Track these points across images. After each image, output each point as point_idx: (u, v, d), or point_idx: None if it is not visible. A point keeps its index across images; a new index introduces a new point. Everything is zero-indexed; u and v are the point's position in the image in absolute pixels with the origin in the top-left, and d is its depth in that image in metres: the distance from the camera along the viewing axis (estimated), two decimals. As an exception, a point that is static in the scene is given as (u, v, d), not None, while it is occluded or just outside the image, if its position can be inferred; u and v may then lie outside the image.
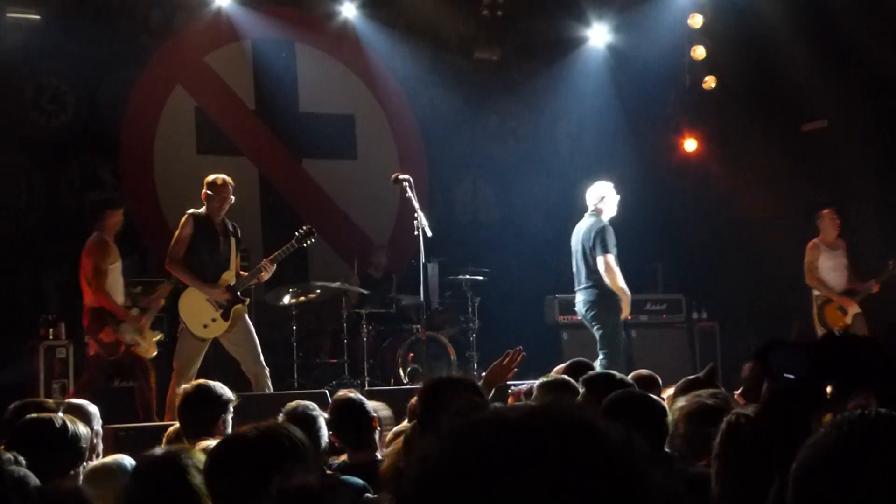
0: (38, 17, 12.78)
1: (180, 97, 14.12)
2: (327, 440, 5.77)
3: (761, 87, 15.23)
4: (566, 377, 6.75)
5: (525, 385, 7.77)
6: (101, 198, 10.68)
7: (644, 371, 7.43)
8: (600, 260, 10.86)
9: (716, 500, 3.52)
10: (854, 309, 12.45)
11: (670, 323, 14.48)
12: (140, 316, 10.52)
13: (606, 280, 10.84)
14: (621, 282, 10.88)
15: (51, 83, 13.31)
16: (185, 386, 6.15)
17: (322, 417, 5.80)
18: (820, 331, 12.42)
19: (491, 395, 6.23)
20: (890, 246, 13.03)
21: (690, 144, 15.89)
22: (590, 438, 1.38)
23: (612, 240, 10.95)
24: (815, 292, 12.68)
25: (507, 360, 6.60)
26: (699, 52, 15.25)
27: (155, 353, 10.66)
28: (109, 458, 5.06)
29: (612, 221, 11.17)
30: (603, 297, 10.94)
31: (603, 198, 11.21)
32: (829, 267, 12.63)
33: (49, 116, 13.30)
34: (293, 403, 5.91)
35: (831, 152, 14.85)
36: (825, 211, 12.80)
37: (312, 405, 5.90)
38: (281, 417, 5.46)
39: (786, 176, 14.89)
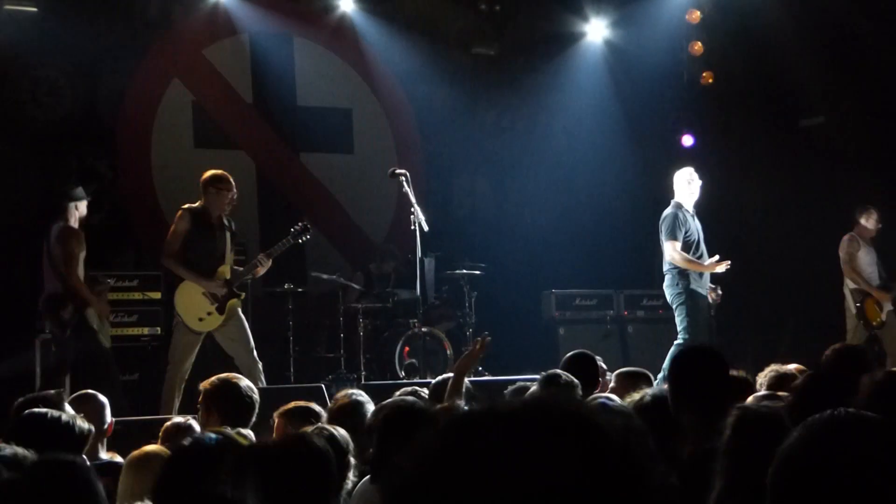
0: (34, 9, 12.75)
1: (177, 90, 14.09)
2: None
3: (759, 82, 15.24)
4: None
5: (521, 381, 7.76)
6: (62, 190, 10.55)
7: (631, 368, 7.47)
8: (666, 247, 10.92)
9: (722, 494, 3.51)
10: (889, 305, 12.47)
11: (667, 318, 14.46)
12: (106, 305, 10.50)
13: (680, 266, 10.88)
14: (692, 262, 10.93)
15: (48, 76, 13.28)
16: (211, 379, 6.17)
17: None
18: (855, 324, 12.45)
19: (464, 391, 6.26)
20: (888, 242, 13.04)
21: (688, 140, 15.91)
22: (588, 433, 1.37)
23: (677, 225, 10.96)
24: (851, 285, 12.61)
25: (476, 347, 6.68)
26: (697, 47, 15.27)
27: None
28: (150, 447, 5.08)
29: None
30: (672, 284, 11.04)
31: (676, 185, 11.24)
32: (867, 262, 12.62)
33: (46, 109, 13.26)
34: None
35: (829, 148, 14.86)
36: (871, 208, 12.73)
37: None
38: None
39: (783, 171, 14.90)
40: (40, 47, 12.96)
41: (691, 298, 10.95)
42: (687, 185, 11.22)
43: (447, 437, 1.39)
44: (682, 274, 10.97)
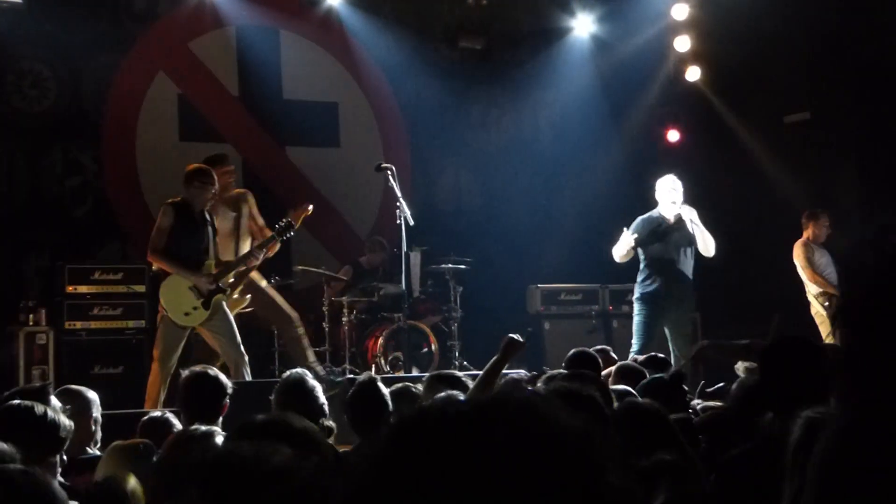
0: (20, 0, 12.71)
1: (163, 84, 14.06)
2: None
3: (745, 78, 15.25)
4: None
5: (515, 374, 7.80)
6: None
7: (587, 350, 7.52)
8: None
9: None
10: None
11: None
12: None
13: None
14: (618, 251, 11.04)
15: (33, 68, 13.24)
16: (186, 373, 6.20)
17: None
18: (829, 329, 12.23)
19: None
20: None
21: (673, 135, 15.94)
22: (545, 431, 1.35)
23: (634, 227, 11.08)
24: (814, 290, 12.59)
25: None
26: (683, 42, 15.29)
27: None
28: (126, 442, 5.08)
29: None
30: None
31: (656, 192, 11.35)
32: (824, 264, 12.51)
33: (31, 102, 13.23)
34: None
35: (814, 144, 14.88)
36: (821, 213, 12.72)
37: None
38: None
39: (768, 167, 14.92)
40: (25, 40, 12.93)
41: (640, 303, 11.12)
42: (659, 191, 11.29)
43: (397, 438, 1.37)
44: (639, 283, 11.15)
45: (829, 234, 12.67)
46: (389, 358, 12.45)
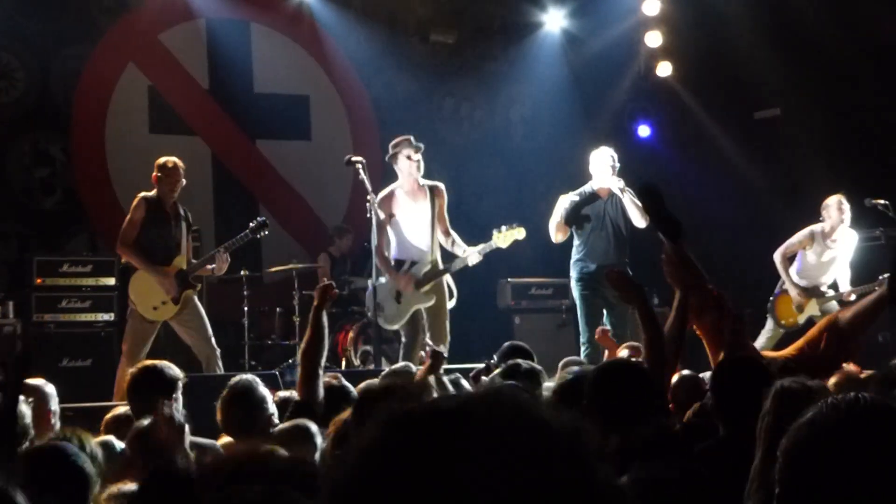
0: (-12, -9, 12.64)
1: (133, 75, 13.98)
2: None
3: (715, 74, 15.31)
4: None
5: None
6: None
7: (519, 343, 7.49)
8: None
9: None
10: (812, 310, 11.53)
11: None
12: None
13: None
14: (552, 228, 10.95)
15: (1, 59, 13.15)
16: (132, 369, 6.17)
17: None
18: (769, 323, 11.89)
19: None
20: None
21: (644, 130, 15.98)
22: (534, 428, 1.35)
23: (562, 204, 10.97)
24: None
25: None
26: (654, 38, 15.33)
27: None
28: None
29: None
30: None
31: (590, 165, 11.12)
32: (813, 256, 11.72)
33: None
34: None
35: (784, 140, 14.96)
36: (842, 200, 11.66)
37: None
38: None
39: (738, 163, 14.99)
40: (-6, 30, 12.85)
41: (580, 285, 10.97)
42: (594, 165, 11.06)
43: (389, 433, 1.36)
44: (573, 265, 11.05)
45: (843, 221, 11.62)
46: (359, 352, 12.44)
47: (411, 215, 10.47)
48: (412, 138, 10.55)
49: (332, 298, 6.85)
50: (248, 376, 6.04)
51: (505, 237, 10.36)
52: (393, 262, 10.52)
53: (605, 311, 10.81)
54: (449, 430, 1.33)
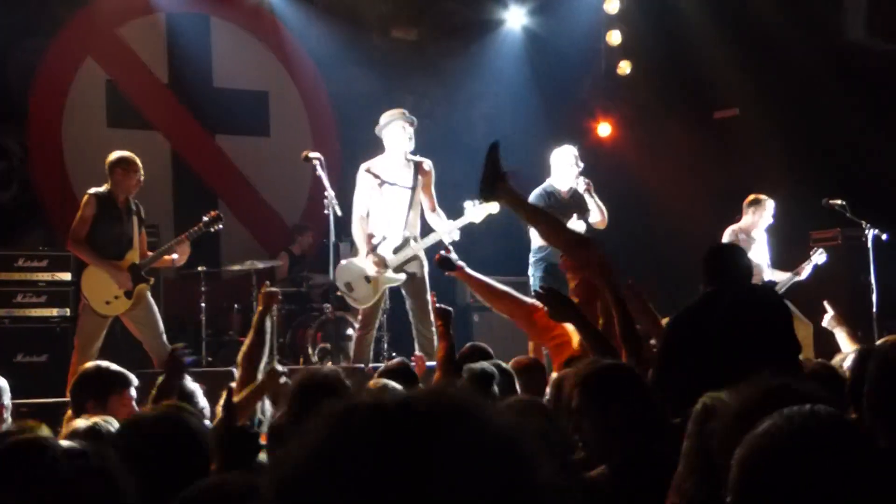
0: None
1: (91, 69, 13.90)
2: None
3: (675, 73, 15.38)
4: None
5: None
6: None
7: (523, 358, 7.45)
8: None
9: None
10: None
11: (581, 306, 14.56)
12: None
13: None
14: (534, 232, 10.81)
15: (-43, 51, 13.06)
16: (80, 368, 6.15)
17: None
18: None
19: None
20: (799, 234, 13.19)
21: (604, 129, 16.02)
22: (474, 427, 1.35)
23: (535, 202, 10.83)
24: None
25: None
26: (615, 37, 15.38)
27: None
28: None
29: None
30: (532, 271, 11.27)
31: (552, 162, 11.14)
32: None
33: (-45, 85, 13.06)
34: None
35: (742, 140, 15.04)
36: (764, 200, 11.93)
37: None
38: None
39: (697, 162, 15.06)
40: (-50, 21, 12.74)
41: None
42: (565, 166, 11.06)
43: (331, 428, 1.36)
44: (537, 263, 11.15)
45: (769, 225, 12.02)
46: (318, 349, 12.43)
47: (391, 189, 10.43)
48: (406, 112, 10.51)
49: (277, 304, 6.84)
50: (192, 385, 6.00)
51: (478, 211, 10.30)
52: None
53: None
54: (391, 425, 1.33)
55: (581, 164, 11.03)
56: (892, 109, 13.73)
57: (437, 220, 10.57)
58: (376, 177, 10.38)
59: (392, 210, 10.49)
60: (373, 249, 10.34)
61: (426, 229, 10.70)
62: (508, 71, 15.86)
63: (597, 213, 10.81)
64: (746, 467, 2.14)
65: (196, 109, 14.50)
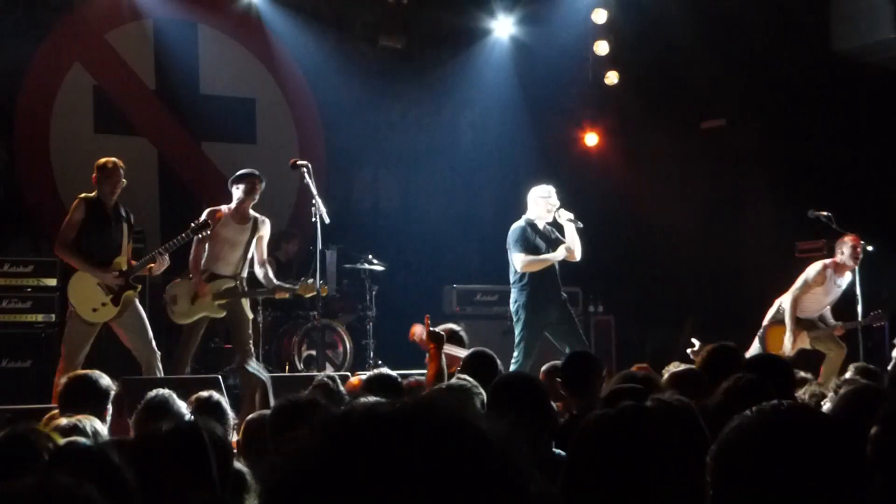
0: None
1: (79, 75, 13.88)
2: None
3: (662, 84, 15.41)
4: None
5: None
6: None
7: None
8: (514, 259, 10.92)
9: None
10: (803, 343, 11.50)
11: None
12: None
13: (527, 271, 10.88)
14: (540, 263, 10.89)
15: (-57, 56, 13.02)
16: (66, 377, 6.12)
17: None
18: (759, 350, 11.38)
19: None
20: (785, 244, 13.23)
21: (591, 139, 16.04)
22: (467, 438, 1.35)
23: (523, 238, 10.91)
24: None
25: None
26: (602, 47, 15.40)
27: None
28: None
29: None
30: (516, 297, 11.05)
31: (529, 199, 11.15)
32: (820, 292, 11.58)
33: (-59, 90, 13.02)
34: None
35: (729, 150, 15.09)
36: (850, 237, 11.51)
37: None
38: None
39: (684, 172, 15.10)
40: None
41: (527, 313, 10.92)
42: (535, 200, 11.14)
43: (322, 439, 1.36)
44: (521, 289, 10.97)
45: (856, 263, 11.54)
46: (303, 356, 12.42)
47: (231, 236, 10.44)
48: (260, 175, 10.51)
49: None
50: (165, 391, 5.91)
51: (306, 287, 10.48)
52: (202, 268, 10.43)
53: (549, 335, 10.98)
54: (384, 436, 1.34)
55: (557, 202, 11.04)
56: (878, 121, 13.80)
57: (266, 275, 10.66)
58: (216, 222, 10.41)
59: (227, 255, 10.52)
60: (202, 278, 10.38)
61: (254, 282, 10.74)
62: (496, 80, 15.87)
63: (577, 246, 10.89)
64: (720, 462, 2.22)
65: (183, 116, 14.48)
